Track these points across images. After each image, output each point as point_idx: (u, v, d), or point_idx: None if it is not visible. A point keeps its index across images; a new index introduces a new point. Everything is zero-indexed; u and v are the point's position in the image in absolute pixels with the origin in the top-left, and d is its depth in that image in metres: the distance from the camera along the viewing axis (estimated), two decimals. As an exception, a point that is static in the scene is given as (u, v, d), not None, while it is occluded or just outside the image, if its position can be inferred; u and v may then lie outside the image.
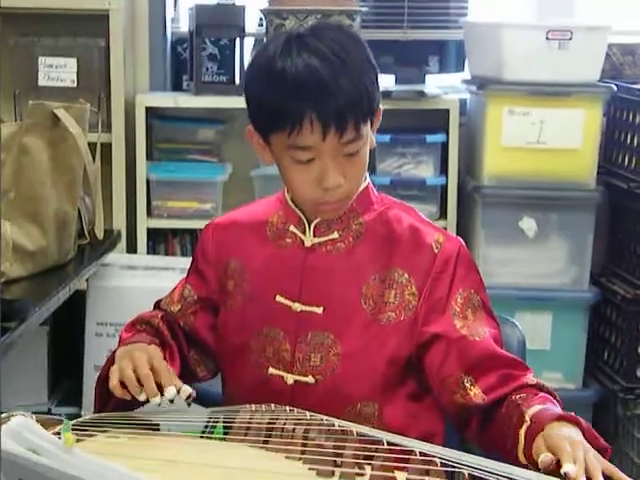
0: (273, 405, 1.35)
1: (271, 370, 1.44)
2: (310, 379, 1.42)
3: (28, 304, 1.81)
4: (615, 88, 2.68)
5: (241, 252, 1.50)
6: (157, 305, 1.58)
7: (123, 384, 1.35)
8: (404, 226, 1.45)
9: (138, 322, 1.53)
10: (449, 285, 1.42)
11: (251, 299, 1.47)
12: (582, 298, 2.74)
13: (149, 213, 2.78)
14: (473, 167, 2.82)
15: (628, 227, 2.83)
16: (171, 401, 1.33)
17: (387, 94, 2.65)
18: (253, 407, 1.35)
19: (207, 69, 2.86)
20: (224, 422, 1.34)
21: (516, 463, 1.19)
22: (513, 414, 1.29)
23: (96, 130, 2.28)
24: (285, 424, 1.28)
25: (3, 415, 0.98)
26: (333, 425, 1.25)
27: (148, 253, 2.80)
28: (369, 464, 1.15)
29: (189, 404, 1.35)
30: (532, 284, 2.72)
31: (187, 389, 1.34)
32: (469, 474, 1.08)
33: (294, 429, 1.26)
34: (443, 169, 2.79)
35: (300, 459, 1.20)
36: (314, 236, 1.45)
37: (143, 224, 2.77)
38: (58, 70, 2.64)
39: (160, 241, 2.88)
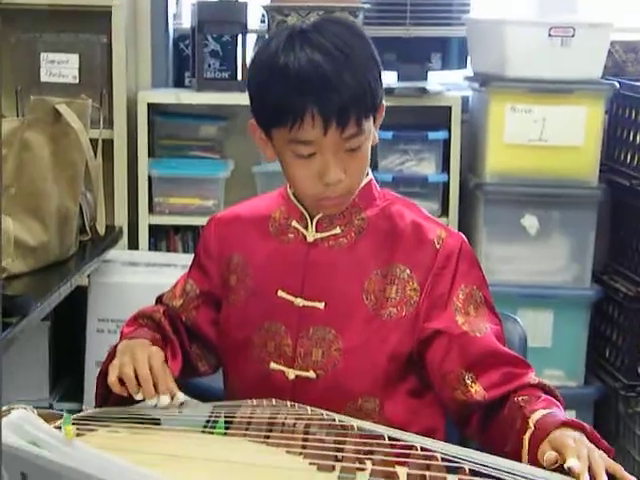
0: (274, 400, 1.35)
1: (272, 365, 1.44)
2: (311, 374, 1.42)
3: (29, 299, 1.81)
4: (617, 85, 2.68)
5: (244, 247, 1.50)
6: (159, 300, 1.58)
7: (122, 381, 1.35)
8: (406, 222, 1.45)
9: (140, 317, 1.53)
10: (451, 281, 1.42)
11: (253, 294, 1.47)
12: (584, 296, 2.74)
13: (151, 209, 2.78)
14: (475, 164, 2.82)
15: (630, 225, 2.83)
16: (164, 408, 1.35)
17: (389, 91, 2.65)
18: (254, 402, 1.35)
19: (209, 65, 2.86)
20: (225, 417, 1.34)
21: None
22: (516, 417, 1.29)
23: (98, 126, 2.27)
24: (286, 419, 1.28)
25: (4, 408, 0.98)
26: (334, 420, 1.25)
27: (150, 250, 2.80)
28: (370, 459, 1.15)
29: (180, 412, 1.36)
30: (534, 281, 2.71)
31: (180, 397, 1.35)
32: (470, 469, 1.08)
33: (295, 424, 1.26)
34: (445, 166, 2.79)
35: (301, 454, 1.20)
36: (316, 231, 1.45)
37: (145, 220, 2.77)
38: (60, 66, 2.63)
39: (162, 238, 2.88)
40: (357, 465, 1.15)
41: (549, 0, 2.73)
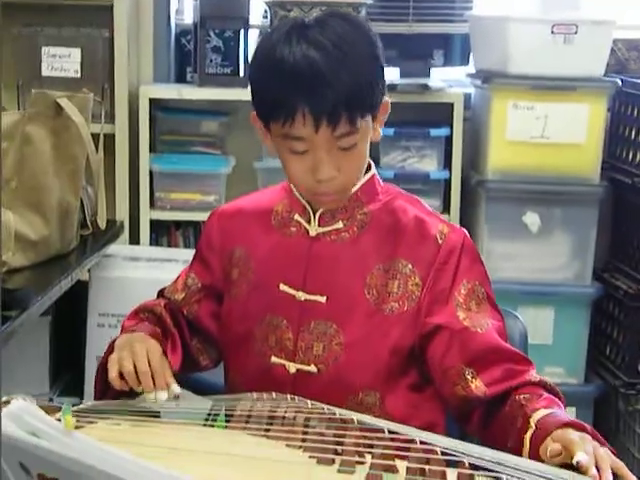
0: (274, 394, 1.34)
1: (273, 359, 1.44)
2: (312, 368, 1.42)
3: (30, 293, 1.81)
4: (620, 83, 2.68)
5: (246, 240, 1.49)
6: (160, 293, 1.58)
7: (121, 375, 1.35)
8: (409, 217, 1.44)
9: (141, 310, 1.53)
10: (453, 276, 1.41)
11: (255, 287, 1.47)
12: (585, 293, 2.74)
13: (152, 205, 2.78)
14: (477, 161, 2.82)
15: (631, 222, 2.83)
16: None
17: (391, 87, 2.64)
18: (254, 396, 1.35)
19: (211, 61, 2.86)
20: (225, 410, 1.34)
21: None
22: (517, 415, 1.29)
23: (99, 121, 2.27)
24: (286, 412, 1.28)
25: (3, 399, 0.98)
26: (334, 414, 1.25)
27: (151, 245, 2.80)
28: (370, 452, 1.15)
29: (177, 404, 1.36)
30: (535, 279, 2.71)
31: (175, 390, 1.35)
32: (469, 463, 1.08)
33: (295, 417, 1.26)
34: (447, 163, 2.79)
35: (301, 447, 1.20)
36: (319, 225, 1.45)
37: (146, 216, 2.77)
38: (62, 60, 2.63)
39: (163, 233, 2.88)
40: (357, 458, 1.15)
41: (552, -3, 2.73)
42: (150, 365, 1.35)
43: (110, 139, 2.61)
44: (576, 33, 2.62)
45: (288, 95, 1.32)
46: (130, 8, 2.73)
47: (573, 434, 1.17)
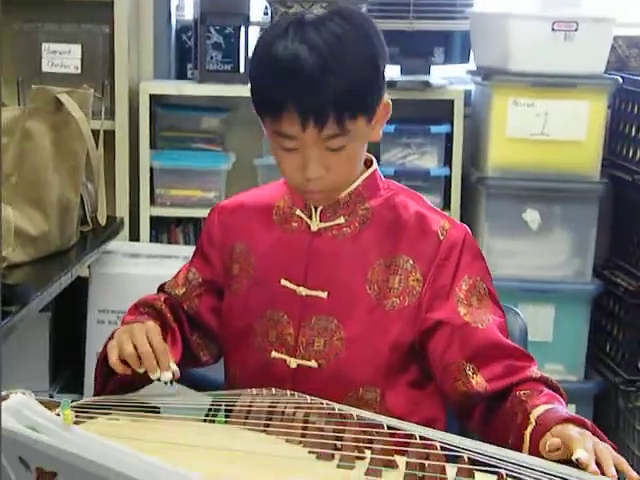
0: (274, 389, 1.34)
1: (274, 354, 1.44)
2: (313, 363, 1.42)
3: (29, 288, 1.81)
4: (620, 80, 2.67)
5: (247, 235, 1.49)
6: (161, 288, 1.58)
7: (123, 361, 1.35)
8: (410, 212, 1.44)
9: (141, 305, 1.53)
10: (453, 272, 1.41)
11: (256, 283, 1.47)
12: (585, 290, 2.74)
13: (152, 201, 2.78)
14: (477, 158, 2.82)
15: (632, 220, 2.83)
16: (165, 382, 1.34)
17: (392, 84, 2.64)
18: (254, 391, 1.35)
19: (211, 57, 2.85)
20: (225, 406, 1.34)
21: None
22: (517, 411, 1.29)
23: (100, 117, 2.27)
24: (286, 408, 1.28)
25: (3, 393, 0.98)
26: (333, 409, 1.25)
27: (151, 241, 2.80)
28: (369, 448, 1.15)
29: (173, 383, 1.36)
30: (535, 276, 2.71)
31: (173, 368, 1.35)
32: (469, 458, 1.08)
33: (294, 413, 1.26)
34: (447, 160, 2.79)
35: (300, 442, 1.20)
36: (320, 221, 1.45)
37: (146, 212, 2.77)
38: (62, 56, 2.63)
39: (163, 230, 2.88)
40: (356, 454, 1.15)
41: (552, -6, 2.72)
42: (152, 345, 1.35)
43: (110, 135, 2.61)
44: (576, 30, 2.62)
45: (278, 92, 1.32)
46: (130, 4, 2.73)
47: (573, 430, 1.17)
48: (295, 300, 1.43)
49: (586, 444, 1.14)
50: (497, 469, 1.06)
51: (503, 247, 2.72)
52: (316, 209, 1.45)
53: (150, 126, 2.73)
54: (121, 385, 1.40)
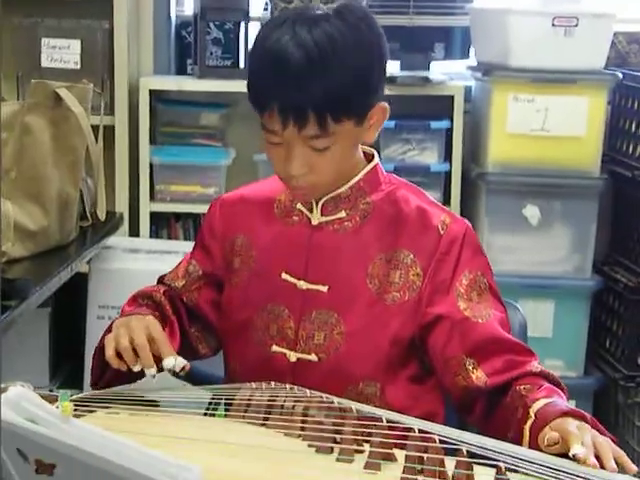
0: (273, 383, 1.34)
1: (274, 348, 1.44)
2: (313, 357, 1.42)
3: (29, 283, 1.81)
4: (620, 76, 2.67)
5: (248, 229, 1.49)
6: (161, 280, 1.58)
7: (119, 355, 1.35)
8: (411, 207, 1.44)
9: (140, 296, 1.53)
10: (454, 267, 1.41)
11: (257, 276, 1.47)
12: (585, 286, 2.73)
13: (152, 197, 2.78)
14: (477, 154, 2.81)
15: (631, 215, 2.82)
16: (169, 371, 1.34)
17: (392, 80, 2.64)
18: (253, 385, 1.35)
19: (211, 53, 2.85)
20: (225, 400, 1.34)
21: None
22: (517, 405, 1.29)
23: (99, 113, 2.27)
24: (285, 401, 1.28)
25: (2, 385, 0.98)
26: (332, 403, 1.25)
27: (151, 237, 2.80)
28: (368, 441, 1.15)
29: (183, 375, 1.35)
30: (535, 272, 2.71)
31: (182, 361, 1.35)
32: (467, 451, 1.08)
33: (294, 406, 1.26)
34: (447, 156, 2.79)
35: (299, 436, 1.20)
36: (321, 215, 1.45)
37: (146, 208, 2.77)
38: (61, 52, 2.63)
39: (163, 225, 2.88)
40: (355, 447, 1.15)
41: (552, -11, 2.72)
42: (153, 338, 1.35)
43: (110, 131, 2.61)
44: (577, 26, 2.62)
45: (262, 87, 1.33)
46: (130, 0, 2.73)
47: (571, 424, 1.17)
48: (296, 294, 1.43)
49: (585, 438, 1.14)
50: (496, 462, 1.06)
51: (503, 243, 2.72)
52: (317, 203, 1.45)
53: (150, 121, 2.73)
54: (118, 377, 1.40)
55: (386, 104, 1.40)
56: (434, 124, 2.78)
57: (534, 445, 1.20)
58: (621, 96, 2.83)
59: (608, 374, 2.75)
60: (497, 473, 1.06)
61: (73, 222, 2.18)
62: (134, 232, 2.77)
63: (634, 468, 1.13)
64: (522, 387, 1.31)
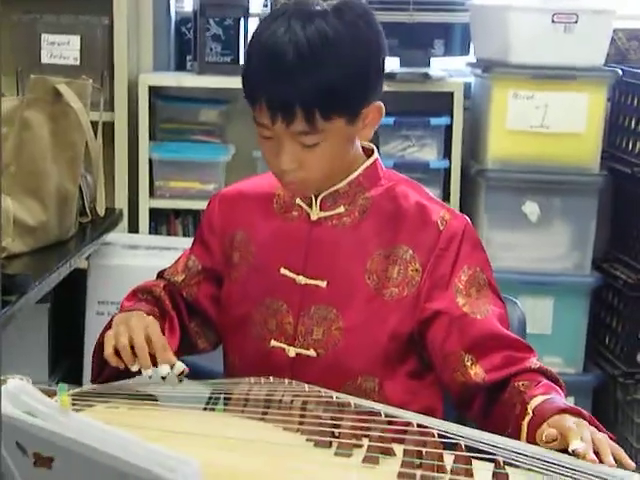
0: (272, 377, 1.34)
1: (273, 343, 1.44)
2: (312, 352, 1.42)
3: (28, 278, 1.81)
4: (620, 73, 2.67)
5: (247, 224, 1.49)
6: (160, 275, 1.58)
7: (118, 353, 1.35)
8: (411, 202, 1.44)
9: (140, 291, 1.53)
10: (453, 262, 1.41)
11: (256, 271, 1.47)
12: (584, 283, 2.73)
13: (151, 193, 2.78)
14: (477, 150, 2.81)
15: (631, 212, 2.83)
16: (163, 377, 1.34)
17: (391, 76, 2.64)
18: (252, 380, 1.35)
19: (211, 49, 2.85)
20: (224, 394, 1.34)
21: None
22: (516, 402, 1.29)
23: (99, 109, 2.27)
24: (283, 396, 1.28)
25: (0, 378, 0.98)
26: (331, 397, 1.25)
27: (150, 233, 2.80)
28: (366, 436, 1.15)
29: (181, 380, 1.35)
30: (534, 268, 2.71)
31: (180, 366, 1.35)
32: (466, 445, 1.08)
33: (292, 401, 1.26)
34: (447, 152, 2.79)
35: (298, 430, 1.20)
36: (320, 210, 1.45)
37: (145, 204, 2.77)
38: (61, 48, 2.63)
39: (162, 221, 2.88)
40: (354, 442, 1.15)
41: (552, -15, 2.72)
42: (150, 341, 1.35)
43: (109, 127, 2.61)
44: (576, 22, 2.62)
45: (253, 80, 1.34)
46: (130, -5, 2.73)
47: (569, 420, 1.17)
48: (294, 289, 1.43)
49: (584, 434, 1.14)
50: (494, 456, 1.06)
51: (502, 239, 2.72)
52: (316, 198, 1.45)
53: (149, 118, 2.73)
54: (117, 373, 1.40)
55: (381, 103, 1.40)
56: (434, 121, 2.78)
57: (531, 441, 1.20)
58: (621, 93, 2.83)
59: (607, 371, 2.75)
60: (495, 467, 1.06)
61: (72, 218, 2.18)
62: (133, 228, 2.77)
63: (632, 464, 1.13)
64: (520, 383, 1.31)
